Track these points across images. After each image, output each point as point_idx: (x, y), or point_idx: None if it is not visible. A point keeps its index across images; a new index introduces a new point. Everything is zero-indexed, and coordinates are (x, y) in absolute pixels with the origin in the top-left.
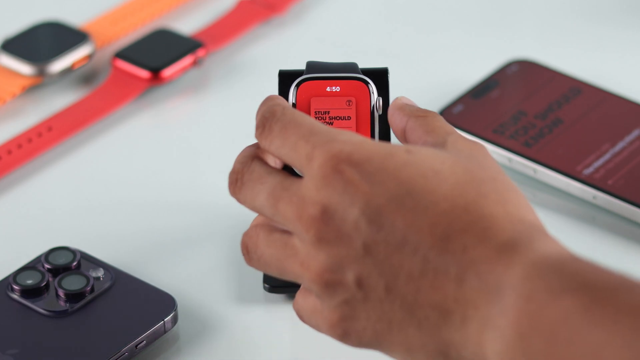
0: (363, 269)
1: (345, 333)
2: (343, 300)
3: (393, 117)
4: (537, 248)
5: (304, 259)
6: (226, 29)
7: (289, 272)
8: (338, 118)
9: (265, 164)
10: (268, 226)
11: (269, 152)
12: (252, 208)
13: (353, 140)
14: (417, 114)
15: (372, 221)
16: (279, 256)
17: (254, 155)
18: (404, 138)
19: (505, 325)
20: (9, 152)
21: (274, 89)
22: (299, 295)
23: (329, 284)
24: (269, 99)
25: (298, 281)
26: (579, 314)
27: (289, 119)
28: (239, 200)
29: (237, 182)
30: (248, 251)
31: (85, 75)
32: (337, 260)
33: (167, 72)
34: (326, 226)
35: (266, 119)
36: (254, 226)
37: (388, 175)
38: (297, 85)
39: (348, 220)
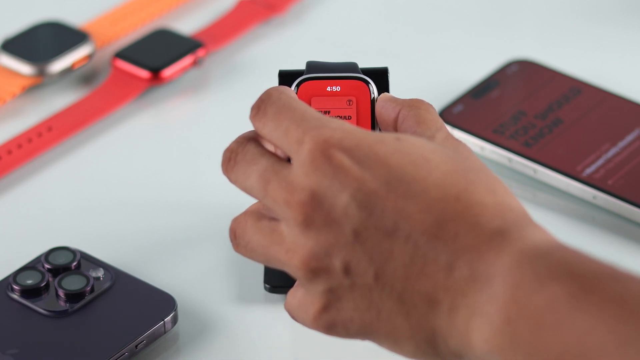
0: (352, 256)
1: (330, 325)
2: (328, 288)
3: (384, 108)
4: (526, 236)
5: (290, 246)
6: (226, 29)
7: (275, 259)
8: (339, 118)
9: (261, 146)
10: (257, 213)
11: (261, 135)
12: (243, 188)
13: (343, 128)
14: (411, 103)
15: (362, 207)
16: (265, 243)
17: (251, 137)
18: (394, 128)
19: (493, 311)
20: (9, 152)
21: None
22: (288, 294)
23: (315, 271)
24: (272, 87)
25: (284, 268)
26: (565, 301)
27: (284, 102)
28: (230, 179)
29: (231, 161)
30: (236, 237)
31: (85, 75)
32: (325, 246)
33: (167, 72)
34: (314, 211)
35: (262, 101)
36: (244, 213)
37: (378, 162)
38: (298, 85)
39: (338, 206)
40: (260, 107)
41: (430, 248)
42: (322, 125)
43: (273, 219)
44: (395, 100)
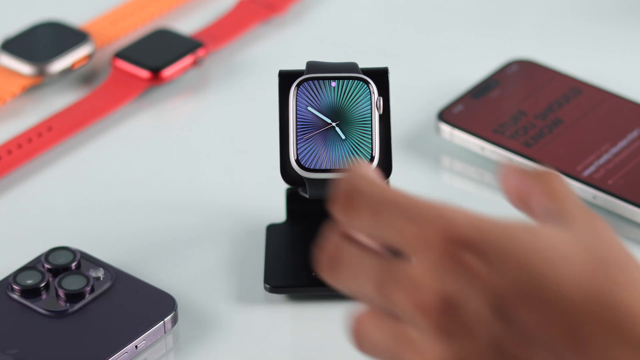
0: None
1: None
2: None
3: (506, 176)
4: None
5: (420, 350)
6: (226, 29)
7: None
8: None
9: (359, 244)
10: (378, 313)
11: (357, 231)
12: (354, 294)
13: (465, 219)
14: (538, 174)
15: (500, 315)
16: (393, 346)
17: (343, 235)
18: (518, 199)
19: None
20: (9, 152)
21: (274, 89)
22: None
23: None
24: (350, 170)
25: None
26: None
27: (380, 197)
28: (337, 285)
29: (334, 268)
30: (359, 338)
31: (85, 75)
32: (461, 355)
33: (167, 72)
34: (449, 319)
35: (349, 194)
36: (364, 312)
37: (512, 263)
38: (298, 85)
39: (474, 314)
40: (352, 203)
41: None
42: (440, 217)
43: (396, 317)
44: (520, 170)
